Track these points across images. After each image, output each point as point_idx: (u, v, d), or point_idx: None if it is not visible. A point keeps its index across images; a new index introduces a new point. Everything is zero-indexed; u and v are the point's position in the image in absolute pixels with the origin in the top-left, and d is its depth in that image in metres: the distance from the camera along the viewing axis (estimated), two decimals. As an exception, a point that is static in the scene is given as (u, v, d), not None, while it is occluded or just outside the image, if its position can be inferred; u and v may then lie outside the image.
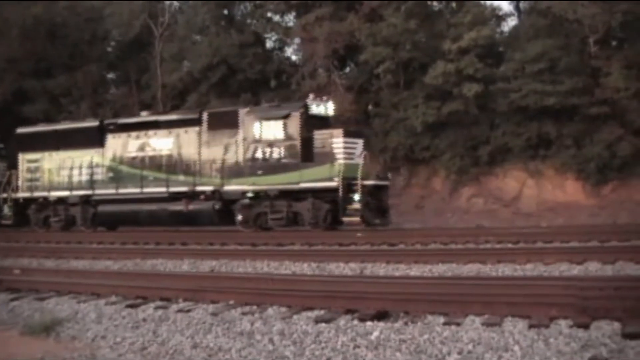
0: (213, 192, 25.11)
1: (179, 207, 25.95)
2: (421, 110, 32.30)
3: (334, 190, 22.58)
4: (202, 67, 38.22)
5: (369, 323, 8.12)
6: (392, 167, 34.00)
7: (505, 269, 12.49)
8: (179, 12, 43.53)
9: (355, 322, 8.23)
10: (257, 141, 24.28)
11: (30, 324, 9.50)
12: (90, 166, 28.46)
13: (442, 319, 8.00)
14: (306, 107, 24.26)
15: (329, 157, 22.99)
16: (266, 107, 26.00)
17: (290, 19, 40.49)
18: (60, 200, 29.17)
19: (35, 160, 30.48)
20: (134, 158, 27.58)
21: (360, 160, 23.14)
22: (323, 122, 24.40)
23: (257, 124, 24.37)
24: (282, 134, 23.90)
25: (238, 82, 38.41)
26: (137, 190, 26.92)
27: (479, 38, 31.21)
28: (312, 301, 9.26)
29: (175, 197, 26.06)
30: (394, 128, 33.75)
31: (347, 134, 23.49)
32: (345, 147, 23.08)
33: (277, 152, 23.98)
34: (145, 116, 29.46)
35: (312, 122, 23.93)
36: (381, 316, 8.35)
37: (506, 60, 32.38)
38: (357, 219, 22.61)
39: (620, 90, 29.01)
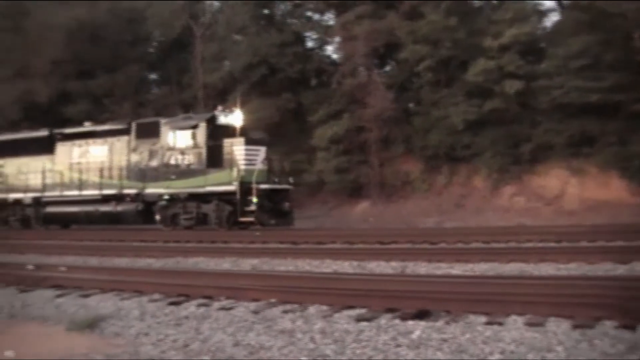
0: (137, 194, 28.05)
1: (109, 208, 28.97)
2: (462, 108, 32.15)
3: (234, 193, 25.02)
4: (242, 66, 38.40)
5: (410, 322, 8.07)
6: (433, 166, 33.96)
7: (547, 269, 12.33)
8: (219, 12, 43.73)
9: (396, 321, 8.18)
10: (172, 149, 27.06)
11: (75, 320, 9.59)
12: (43, 171, 31.40)
13: (483, 319, 7.90)
14: (213, 118, 27.01)
15: (231, 163, 25.38)
16: (180, 117, 28.60)
17: (330, 18, 40.51)
18: (18, 202, 32.45)
19: None
20: (76, 164, 30.50)
21: (261, 166, 25.66)
22: (232, 131, 26.20)
23: (171, 133, 27.16)
24: (191, 142, 26.63)
25: (278, 82, 38.53)
26: (77, 192, 30.09)
27: (520, 35, 30.99)
28: (353, 300, 9.21)
29: (106, 199, 29.00)
30: (434, 126, 33.63)
31: (249, 142, 25.82)
32: (246, 154, 25.52)
33: (187, 159, 26.74)
34: (87, 126, 31.76)
35: (220, 131, 26.30)
36: (422, 315, 8.28)
37: (548, 57, 31.96)
38: (251, 219, 24.81)
39: (666, 86, 28.55)
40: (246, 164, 25.35)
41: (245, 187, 24.81)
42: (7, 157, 33.31)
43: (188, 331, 8.68)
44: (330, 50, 42.08)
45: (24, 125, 41.74)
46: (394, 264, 13.93)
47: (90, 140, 30.37)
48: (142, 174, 27.99)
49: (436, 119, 33.49)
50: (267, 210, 25.31)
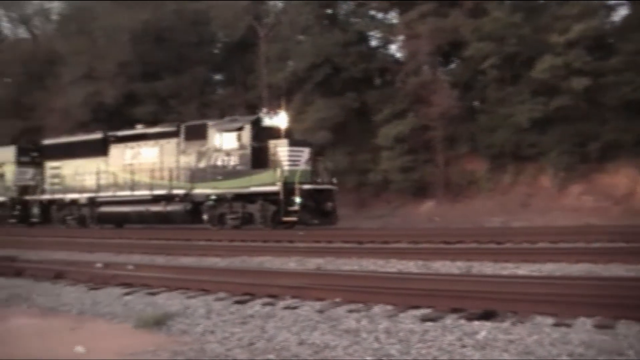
0: (185, 195, 29.02)
1: (159, 208, 29.96)
2: (527, 106, 31.75)
3: (277, 193, 25.69)
4: (306, 66, 38.51)
5: (475, 322, 8.01)
6: (498, 165, 33.59)
7: (617, 269, 12.12)
8: (283, 13, 43.90)
9: (462, 321, 8.13)
10: (218, 150, 27.96)
11: (142, 317, 9.70)
12: (97, 172, 32.74)
13: (551, 320, 7.81)
14: (258, 120, 27.82)
15: (276, 164, 26.15)
16: (227, 120, 29.42)
17: (393, 16, 40.37)
18: (74, 202, 34.04)
19: (57, 167, 35.52)
20: (128, 165, 31.83)
21: (304, 167, 26.36)
22: (276, 132, 27.09)
23: (218, 135, 28.07)
24: (236, 144, 27.46)
25: (342, 81, 38.55)
26: (129, 193, 31.28)
27: (587, 30, 30.43)
28: (418, 299, 9.18)
29: (157, 199, 30.04)
30: (500, 125, 33.23)
31: (292, 143, 26.70)
32: (289, 155, 26.26)
33: (232, 160, 27.58)
34: (138, 129, 32.98)
35: (265, 133, 27.18)
36: (488, 316, 8.21)
37: (617, 52, 31.38)
38: (294, 218, 25.53)
39: None
40: (290, 165, 26.07)
41: (289, 188, 25.47)
42: (65, 159, 34.82)
43: (253, 330, 8.73)
44: (393, 49, 42.02)
45: (92, 126, 42.65)
46: (459, 263, 13.84)
47: (142, 143, 31.60)
48: (191, 175, 28.97)
49: (502, 117, 33.10)
50: (310, 209, 25.90)
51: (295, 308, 9.59)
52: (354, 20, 41.09)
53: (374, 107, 37.69)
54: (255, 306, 9.96)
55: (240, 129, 27.53)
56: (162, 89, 45.58)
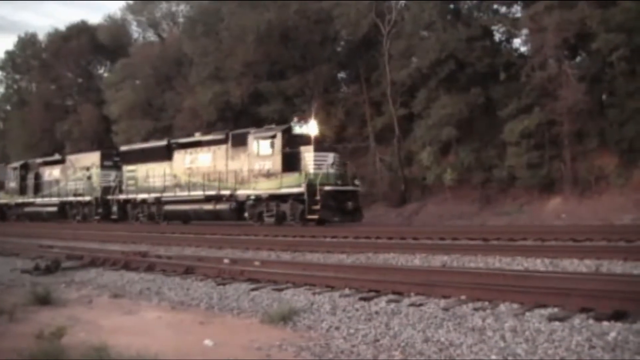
0: (230, 195, 33.04)
1: (210, 206, 34.25)
2: (660, 99, 30.65)
3: (303, 194, 28.96)
4: (430, 62, 38.30)
5: (605, 323, 7.88)
6: (629, 160, 32.52)
7: None
8: (406, 9, 43.78)
9: (591, 321, 8.02)
10: (256, 155, 31.76)
11: (269, 312, 9.95)
12: (163, 175, 37.76)
13: (683, 322, 7.63)
14: (289, 129, 31.40)
15: (303, 168, 29.67)
16: (263, 129, 32.88)
17: (517, 10, 39.72)
18: (144, 201, 39.18)
19: (132, 171, 40.78)
20: (187, 169, 36.35)
21: (327, 170, 29.39)
22: (306, 139, 30.49)
23: (255, 142, 31.93)
24: (270, 150, 31.14)
25: (467, 76, 38.18)
26: (187, 193, 35.75)
27: None
28: (546, 298, 9.10)
29: (208, 199, 34.23)
30: (630, 118, 32.13)
31: (318, 149, 29.87)
32: (315, 160, 29.60)
33: (267, 164, 31.22)
34: (196, 137, 37.31)
35: (296, 140, 30.75)
36: (619, 316, 8.06)
37: None
38: (316, 216, 28.69)
39: None
40: (315, 169, 29.46)
41: (312, 189, 28.66)
42: (139, 163, 40.16)
43: (378, 326, 8.83)
44: (518, 43, 41.29)
45: (218, 126, 43.80)
46: (588, 262, 13.59)
47: (199, 149, 36.06)
48: (235, 178, 32.83)
49: (632, 110, 31.99)
50: (332, 208, 28.95)
51: (420, 305, 9.67)
52: (477, 14, 40.61)
53: (499, 102, 37.16)
54: (381, 303, 10.08)
55: (273, 136, 31.17)
56: (287, 87, 46.29)
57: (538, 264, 13.94)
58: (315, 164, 29.56)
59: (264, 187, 31.22)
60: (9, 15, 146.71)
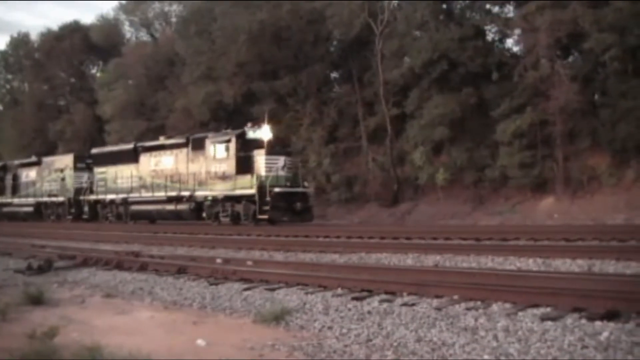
0: (190, 196, 35.04)
1: (172, 206, 36.35)
2: (652, 99, 30.70)
3: (254, 195, 30.92)
4: (422, 62, 38.34)
5: (597, 323, 7.89)
6: (621, 160, 32.60)
7: None
8: (398, 9, 43.84)
9: (583, 321, 8.02)
10: (213, 159, 33.81)
11: (261, 312, 9.93)
12: (130, 176, 39.61)
13: (678, 321, 7.64)
14: (243, 133, 33.20)
15: (255, 170, 31.46)
16: (220, 133, 34.92)
17: (510, 10, 39.79)
18: (112, 202, 41.28)
19: (102, 172, 42.53)
20: (152, 171, 38.20)
21: (277, 173, 31.24)
22: (260, 143, 32.30)
23: (212, 146, 33.95)
24: (225, 153, 33.18)
25: (459, 76, 38.22)
26: (150, 194, 37.81)
27: None
28: (538, 298, 9.11)
29: (170, 200, 36.35)
30: (623, 118, 32.20)
31: (269, 153, 31.78)
32: (266, 163, 31.50)
33: (223, 167, 33.18)
34: (160, 140, 39.40)
35: (250, 144, 32.57)
36: (611, 316, 8.06)
37: None
38: (266, 216, 30.63)
39: None
40: (266, 171, 31.25)
41: (263, 190, 30.58)
42: (108, 166, 41.88)
43: (371, 326, 8.83)
44: (510, 42, 41.36)
45: (211, 125, 43.82)
46: (580, 261, 13.61)
47: (162, 152, 37.98)
48: (194, 180, 34.76)
49: (625, 110, 32.04)
50: (282, 209, 30.72)
51: (413, 305, 9.67)
52: (470, 14, 40.67)
53: (491, 102, 37.21)
54: (373, 302, 10.08)
55: (228, 141, 33.16)
56: (280, 87, 46.30)
57: (530, 263, 13.95)
58: (266, 167, 31.43)
59: (220, 189, 33.21)
60: (1, 15, 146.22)
